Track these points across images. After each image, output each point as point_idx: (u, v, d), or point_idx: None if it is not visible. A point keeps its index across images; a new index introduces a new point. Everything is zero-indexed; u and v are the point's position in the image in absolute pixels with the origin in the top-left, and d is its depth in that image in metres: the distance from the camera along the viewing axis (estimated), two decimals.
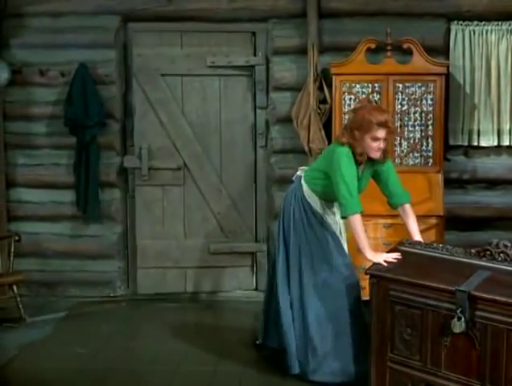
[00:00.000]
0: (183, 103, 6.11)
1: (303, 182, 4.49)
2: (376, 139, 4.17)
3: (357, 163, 4.27)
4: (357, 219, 4.18)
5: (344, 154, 4.22)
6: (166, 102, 6.10)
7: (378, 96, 5.62)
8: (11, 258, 5.72)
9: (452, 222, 5.78)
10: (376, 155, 4.25)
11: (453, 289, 3.53)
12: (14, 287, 5.58)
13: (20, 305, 5.56)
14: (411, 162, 5.68)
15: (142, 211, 6.18)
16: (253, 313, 5.81)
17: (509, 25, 5.75)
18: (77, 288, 6.21)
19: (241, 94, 6.14)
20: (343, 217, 4.31)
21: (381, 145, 4.20)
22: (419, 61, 5.57)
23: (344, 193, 4.17)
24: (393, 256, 4.05)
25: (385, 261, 4.02)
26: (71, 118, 5.96)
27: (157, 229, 6.20)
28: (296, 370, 4.41)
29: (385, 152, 4.30)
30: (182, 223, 6.20)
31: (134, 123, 6.13)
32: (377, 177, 4.42)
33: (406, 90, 5.63)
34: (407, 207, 4.39)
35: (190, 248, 6.19)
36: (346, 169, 4.19)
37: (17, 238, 5.77)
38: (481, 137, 5.86)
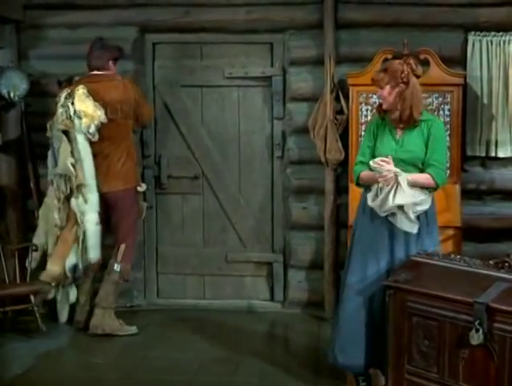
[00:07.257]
0: (202, 114, 6.20)
1: None
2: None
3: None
4: (358, 185, 4.37)
5: (368, 123, 4.54)
6: (186, 113, 6.19)
7: None
8: (29, 268, 5.75)
9: (470, 233, 5.73)
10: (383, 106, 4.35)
11: (471, 300, 3.52)
12: (31, 297, 5.60)
13: (37, 315, 5.58)
14: None
15: (161, 218, 6.33)
16: (269, 323, 5.82)
17: None
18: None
19: (258, 105, 6.17)
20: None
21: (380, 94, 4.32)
22: (435, 72, 5.55)
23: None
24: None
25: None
26: None
27: (176, 237, 6.33)
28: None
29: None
30: (201, 232, 6.31)
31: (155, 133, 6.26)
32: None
33: (424, 101, 5.60)
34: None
35: (208, 256, 6.30)
36: (364, 136, 4.49)
37: (34, 248, 5.79)
38: (499, 148, 5.81)
